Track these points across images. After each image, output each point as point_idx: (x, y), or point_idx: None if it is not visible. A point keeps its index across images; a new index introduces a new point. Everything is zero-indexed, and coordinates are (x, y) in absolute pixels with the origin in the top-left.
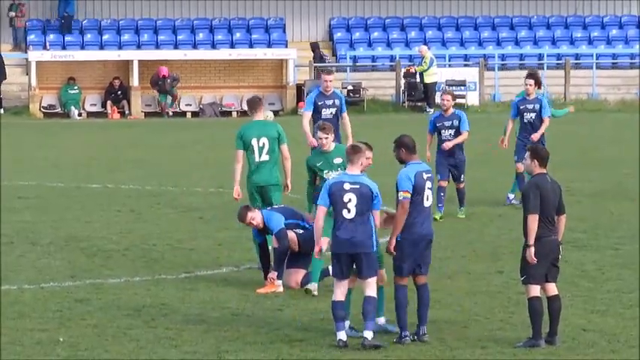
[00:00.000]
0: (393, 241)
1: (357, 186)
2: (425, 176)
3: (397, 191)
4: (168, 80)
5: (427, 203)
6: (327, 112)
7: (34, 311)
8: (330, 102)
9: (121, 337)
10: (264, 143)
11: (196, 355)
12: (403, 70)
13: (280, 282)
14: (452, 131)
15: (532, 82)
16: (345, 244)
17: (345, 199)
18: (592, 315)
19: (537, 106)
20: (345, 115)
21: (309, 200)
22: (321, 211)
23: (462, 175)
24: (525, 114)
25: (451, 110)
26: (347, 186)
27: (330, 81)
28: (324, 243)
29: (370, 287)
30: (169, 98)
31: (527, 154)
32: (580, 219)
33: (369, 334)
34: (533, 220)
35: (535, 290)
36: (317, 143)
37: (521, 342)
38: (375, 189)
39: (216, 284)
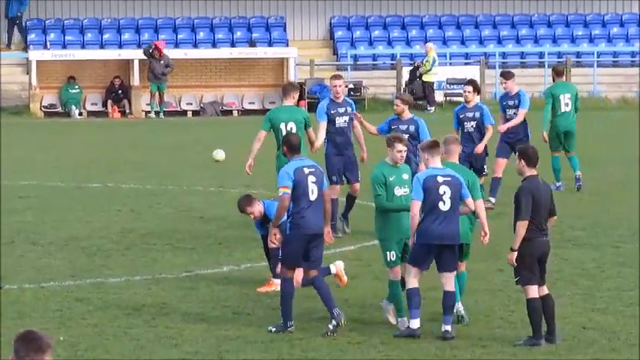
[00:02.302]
0: (278, 236)
1: (449, 178)
2: (307, 171)
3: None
4: (162, 62)
5: (312, 197)
6: (340, 121)
7: (35, 311)
8: (342, 109)
9: (121, 336)
10: (291, 127)
11: (197, 355)
12: (410, 68)
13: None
14: (406, 136)
15: (470, 89)
16: (441, 235)
17: (441, 191)
18: (592, 313)
19: (478, 114)
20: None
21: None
22: (417, 205)
23: None
24: (465, 123)
25: (408, 115)
26: (440, 178)
27: (340, 86)
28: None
29: (450, 282)
30: (157, 97)
31: (516, 155)
32: (580, 217)
33: (449, 327)
34: (523, 226)
35: (533, 291)
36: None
37: (522, 340)
38: (462, 178)
39: (217, 283)
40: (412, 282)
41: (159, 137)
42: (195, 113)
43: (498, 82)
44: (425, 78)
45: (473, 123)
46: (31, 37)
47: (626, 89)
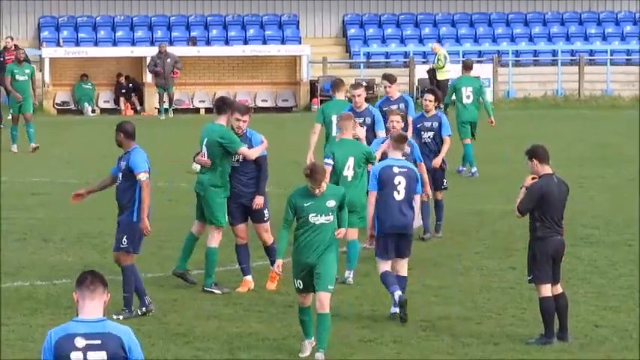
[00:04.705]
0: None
1: (405, 169)
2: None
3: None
4: (169, 60)
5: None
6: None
7: (47, 307)
8: (361, 119)
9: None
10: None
11: (208, 352)
12: (426, 69)
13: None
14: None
15: (432, 97)
16: (397, 225)
17: (396, 181)
18: (604, 311)
19: (436, 124)
20: (380, 134)
21: (281, 243)
22: (373, 195)
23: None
24: (423, 133)
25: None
26: (395, 169)
27: (359, 95)
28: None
29: (403, 268)
30: (166, 97)
31: (526, 157)
32: (593, 215)
33: (397, 294)
34: (515, 212)
35: (546, 290)
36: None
37: (534, 338)
38: (417, 171)
39: (229, 280)
40: (382, 267)
41: (171, 134)
42: (207, 110)
43: (511, 81)
44: (439, 76)
45: (430, 133)
46: (44, 34)
47: (639, 87)
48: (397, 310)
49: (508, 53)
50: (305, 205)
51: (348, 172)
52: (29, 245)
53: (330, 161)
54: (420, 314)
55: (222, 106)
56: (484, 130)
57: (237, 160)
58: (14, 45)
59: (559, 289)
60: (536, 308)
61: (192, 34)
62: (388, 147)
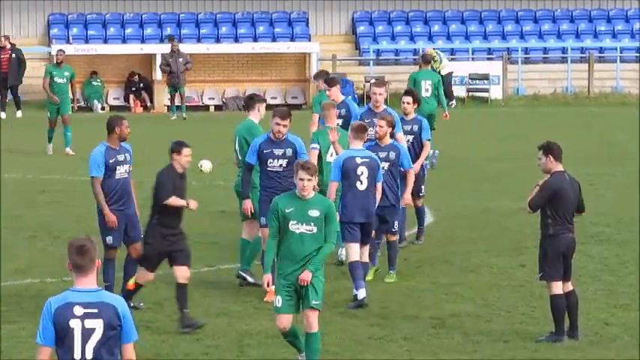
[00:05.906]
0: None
1: (367, 159)
2: None
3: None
4: (181, 60)
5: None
6: (372, 132)
7: None
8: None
9: (142, 330)
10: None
11: (218, 349)
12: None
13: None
14: (386, 165)
15: (410, 99)
16: (360, 213)
17: (358, 172)
18: (615, 309)
19: (416, 128)
20: (399, 136)
21: (268, 255)
22: (334, 186)
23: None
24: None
25: (387, 140)
26: (358, 160)
27: (381, 94)
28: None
29: (366, 254)
30: (178, 97)
31: (540, 152)
32: (603, 213)
33: (361, 293)
34: (527, 211)
35: (557, 287)
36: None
37: (544, 336)
38: (378, 160)
39: (238, 278)
40: (351, 255)
41: (181, 132)
42: (217, 108)
43: (521, 78)
44: (442, 73)
45: (410, 137)
46: (54, 31)
47: None
48: (354, 303)
49: (517, 50)
50: (287, 210)
51: (331, 159)
52: (40, 242)
53: (317, 145)
54: (430, 312)
55: (249, 101)
56: (492, 128)
57: (281, 165)
58: (11, 44)
59: (570, 286)
60: (546, 306)
61: (237, 30)
62: (350, 138)
